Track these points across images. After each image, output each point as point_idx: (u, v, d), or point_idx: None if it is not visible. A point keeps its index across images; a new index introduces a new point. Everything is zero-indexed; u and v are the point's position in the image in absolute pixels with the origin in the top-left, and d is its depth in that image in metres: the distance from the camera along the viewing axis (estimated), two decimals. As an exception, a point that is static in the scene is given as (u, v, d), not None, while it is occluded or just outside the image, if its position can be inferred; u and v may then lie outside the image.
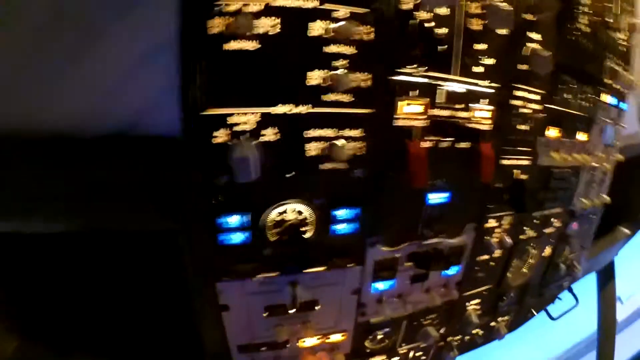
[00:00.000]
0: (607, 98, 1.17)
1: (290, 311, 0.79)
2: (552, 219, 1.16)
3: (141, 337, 0.95)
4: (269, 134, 0.64)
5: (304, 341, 0.87)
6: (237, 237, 0.70)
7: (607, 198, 1.39)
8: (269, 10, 0.58)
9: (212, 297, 0.76)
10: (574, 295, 1.62)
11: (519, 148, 0.94)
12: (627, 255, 2.04)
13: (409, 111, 0.73)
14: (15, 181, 0.63)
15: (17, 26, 0.56)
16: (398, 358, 1.00)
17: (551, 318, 1.51)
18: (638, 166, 1.64)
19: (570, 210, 1.25)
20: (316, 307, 0.82)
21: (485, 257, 0.99)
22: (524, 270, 1.12)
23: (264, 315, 0.80)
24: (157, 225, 0.72)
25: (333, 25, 0.61)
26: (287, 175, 0.68)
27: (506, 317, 1.18)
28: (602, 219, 1.56)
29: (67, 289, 0.93)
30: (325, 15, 0.61)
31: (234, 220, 0.69)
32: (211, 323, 0.79)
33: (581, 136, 1.11)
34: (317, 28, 0.61)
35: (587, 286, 2.01)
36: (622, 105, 1.29)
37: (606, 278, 2.03)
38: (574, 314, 1.65)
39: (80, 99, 0.61)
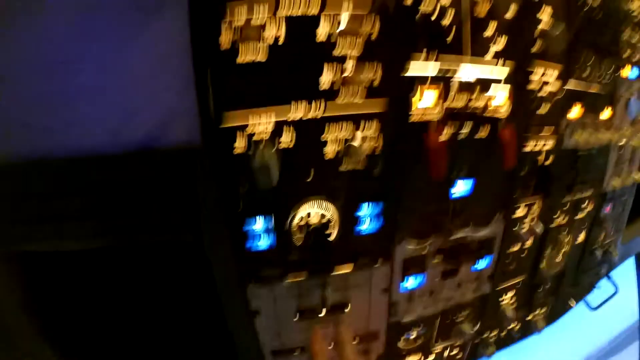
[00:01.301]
0: (627, 72, 1.13)
1: (321, 314, 0.79)
2: (583, 203, 1.12)
3: (176, 350, 0.96)
4: (286, 141, 0.65)
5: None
6: (263, 242, 0.71)
7: (638, 174, 1.34)
8: (274, 21, 0.59)
9: (243, 304, 0.76)
10: (612, 282, 1.54)
11: (541, 133, 0.91)
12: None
13: (423, 105, 0.72)
14: (41, 203, 0.66)
15: (37, 44, 0.58)
16: (433, 357, 0.97)
17: (591, 308, 1.44)
18: None
19: (601, 193, 1.20)
20: (346, 309, 0.81)
21: (517, 247, 0.95)
22: (558, 258, 1.08)
23: (295, 319, 0.80)
24: (182, 237, 0.73)
25: (338, 29, 0.61)
26: (307, 180, 0.68)
27: (543, 309, 1.14)
28: (636, 200, 1.50)
29: (98, 304, 0.95)
30: (329, 20, 0.61)
31: (258, 225, 0.69)
32: (244, 330, 0.80)
33: (605, 113, 1.07)
34: (322, 33, 0.61)
35: (627, 272, 1.91)
36: (644, 78, 1.24)
37: None
38: (614, 303, 1.57)
39: (99, 116, 0.63)
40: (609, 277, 1.57)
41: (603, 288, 1.56)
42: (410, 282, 0.84)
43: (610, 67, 1.06)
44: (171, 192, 0.69)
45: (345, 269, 0.77)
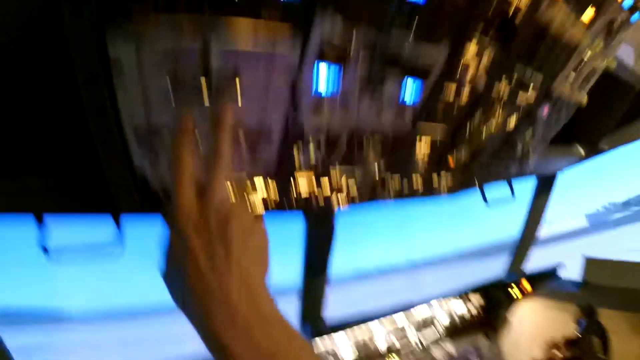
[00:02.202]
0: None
1: (201, 87, 0.61)
2: (530, 86, 1.05)
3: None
4: None
5: None
6: None
7: (584, 97, 1.31)
8: None
9: (101, 53, 0.55)
10: (512, 190, 1.65)
11: None
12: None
13: None
14: None
15: None
16: (326, 181, 0.89)
17: (485, 202, 1.54)
18: (614, 91, 1.55)
19: (548, 89, 1.14)
20: (235, 88, 0.63)
21: (451, 92, 0.85)
22: (483, 131, 1.04)
23: (169, 87, 0.61)
24: None
25: None
26: None
27: (449, 177, 1.13)
28: (566, 129, 1.52)
29: None
30: None
31: None
32: (99, 92, 0.59)
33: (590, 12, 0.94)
34: None
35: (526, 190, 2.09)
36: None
37: (544, 188, 2.10)
38: (502, 215, 1.71)
39: None
40: (510, 185, 1.68)
41: (502, 193, 1.68)
42: (323, 79, 0.68)
43: None
44: None
45: (244, 41, 0.57)
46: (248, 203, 0.47)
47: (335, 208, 1.01)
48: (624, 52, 1.38)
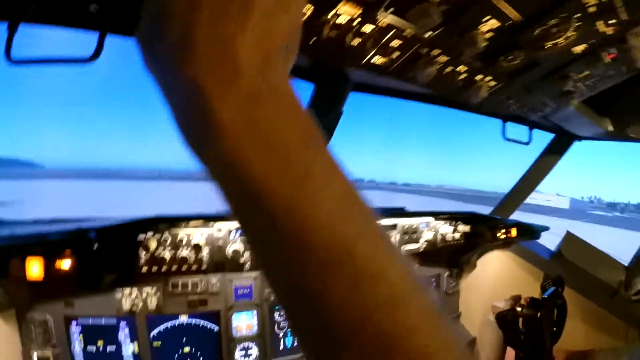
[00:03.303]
0: None
1: None
2: (611, 19, 0.97)
3: None
4: None
5: None
6: None
7: None
8: None
9: None
10: (530, 135, 1.66)
11: None
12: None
13: None
14: None
15: None
16: (373, 27, 0.82)
17: (504, 137, 1.55)
18: None
19: (624, 33, 1.06)
20: None
21: None
22: (549, 42, 0.98)
23: None
24: None
25: None
26: None
27: (487, 87, 1.10)
28: (605, 99, 1.45)
29: None
30: None
31: None
32: None
33: None
34: None
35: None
36: None
37: (557, 149, 2.08)
38: (507, 166, 1.72)
39: None
40: (531, 130, 1.68)
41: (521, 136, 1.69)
42: None
43: None
44: None
45: None
46: None
47: (369, 62, 0.95)
48: None
